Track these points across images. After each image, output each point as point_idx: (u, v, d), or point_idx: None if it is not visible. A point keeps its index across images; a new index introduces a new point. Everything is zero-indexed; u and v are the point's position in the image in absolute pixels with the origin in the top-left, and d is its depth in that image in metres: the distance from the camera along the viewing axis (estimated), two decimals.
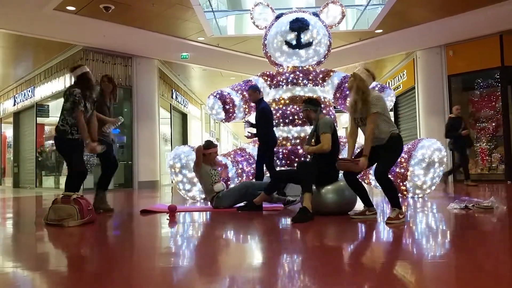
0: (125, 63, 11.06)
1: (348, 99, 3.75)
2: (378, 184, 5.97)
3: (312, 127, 4.54)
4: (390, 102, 6.59)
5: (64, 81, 11.01)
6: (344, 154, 6.30)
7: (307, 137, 4.60)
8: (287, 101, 6.82)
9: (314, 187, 4.16)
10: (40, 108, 12.62)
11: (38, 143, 12.88)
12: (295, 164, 6.34)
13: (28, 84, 13.07)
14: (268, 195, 4.64)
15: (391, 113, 11.58)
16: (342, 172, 4.00)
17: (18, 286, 2.01)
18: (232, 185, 6.18)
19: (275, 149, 6.67)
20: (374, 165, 3.82)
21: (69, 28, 8.99)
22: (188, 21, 8.97)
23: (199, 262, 2.48)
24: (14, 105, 14.13)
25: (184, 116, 15.39)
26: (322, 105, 6.81)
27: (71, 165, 4.44)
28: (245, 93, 6.86)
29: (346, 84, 3.62)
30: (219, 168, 5.31)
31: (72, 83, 4.56)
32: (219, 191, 4.99)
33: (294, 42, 6.90)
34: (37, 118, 12.68)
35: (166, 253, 2.70)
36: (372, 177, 6.06)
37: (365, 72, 3.67)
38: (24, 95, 13.33)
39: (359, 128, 3.85)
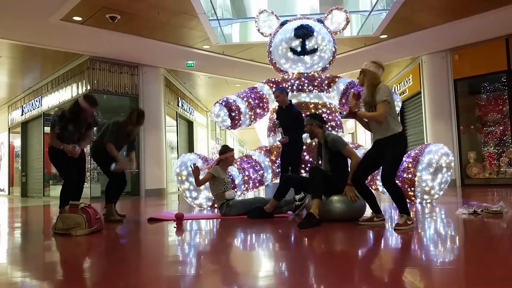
0: (131, 72, 11.14)
1: (362, 95, 3.74)
2: (385, 190, 5.97)
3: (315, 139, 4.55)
4: (396, 107, 6.58)
5: (71, 91, 11.12)
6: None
7: (315, 154, 4.65)
8: None
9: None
10: (48, 118, 12.70)
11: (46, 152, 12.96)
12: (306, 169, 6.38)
13: (36, 94, 13.21)
14: (277, 200, 4.63)
15: (398, 118, 11.54)
16: (350, 178, 4.00)
17: None
18: (238, 192, 6.18)
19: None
20: (380, 171, 3.81)
21: (76, 38, 9.09)
22: (193, 30, 9.03)
23: (207, 271, 2.47)
24: (22, 115, 14.27)
25: (190, 124, 15.45)
26: (328, 112, 6.83)
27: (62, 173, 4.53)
28: (250, 100, 6.88)
29: (356, 82, 3.59)
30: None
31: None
32: (230, 198, 4.99)
33: (299, 49, 6.92)
34: (45, 127, 12.77)
35: (173, 261, 2.70)
36: (379, 183, 6.03)
37: (372, 65, 3.68)
38: (32, 105, 13.47)
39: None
